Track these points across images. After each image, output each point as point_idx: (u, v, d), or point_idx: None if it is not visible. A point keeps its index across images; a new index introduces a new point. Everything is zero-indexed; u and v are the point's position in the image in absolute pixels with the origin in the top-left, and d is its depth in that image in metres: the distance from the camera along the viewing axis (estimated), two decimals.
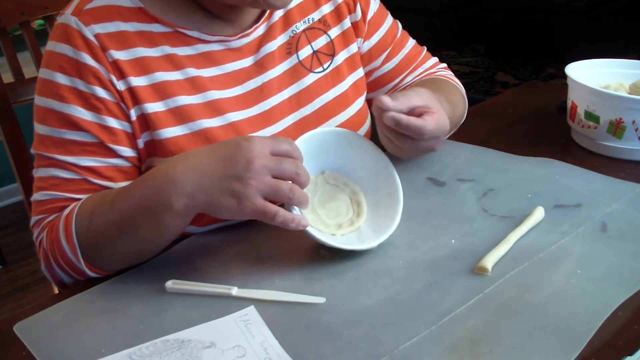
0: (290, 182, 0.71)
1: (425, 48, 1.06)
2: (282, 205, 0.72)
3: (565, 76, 1.02)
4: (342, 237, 0.77)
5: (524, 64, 3.70)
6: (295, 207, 0.72)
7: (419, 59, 1.03)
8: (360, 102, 0.97)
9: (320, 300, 0.69)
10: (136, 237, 0.74)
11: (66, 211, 0.78)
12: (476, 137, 1.05)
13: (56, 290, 0.82)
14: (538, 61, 3.67)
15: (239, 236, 0.83)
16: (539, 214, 0.80)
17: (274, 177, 0.70)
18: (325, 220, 0.78)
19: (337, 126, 0.92)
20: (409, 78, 1.02)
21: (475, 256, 0.74)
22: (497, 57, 3.83)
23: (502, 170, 0.94)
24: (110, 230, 0.75)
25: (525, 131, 1.08)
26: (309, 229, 0.72)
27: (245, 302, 0.70)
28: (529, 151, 0.99)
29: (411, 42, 1.03)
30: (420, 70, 1.03)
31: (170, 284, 0.73)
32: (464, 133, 1.04)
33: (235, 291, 0.71)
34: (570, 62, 1.04)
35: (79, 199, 0.79)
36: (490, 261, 0.72)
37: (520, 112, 1.17)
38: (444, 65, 1.07)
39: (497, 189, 0.89)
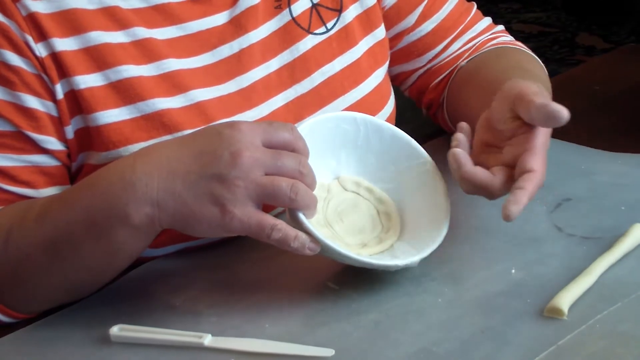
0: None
1: (475, 4, 1.07)
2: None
3: None
4: (369, 257, 0.78)
5: (617, 20, 3.70)
6: (304, 219, 0.73)
7: (468, 19, 1.04)
8: (379, 75, 0.98)
9: (328, 352, 0.70)
10: (74, 264, 0.76)
11: None
12: None
13: None
14: (639, 18, 3.67)
15: (213, 262, 0.85)
16: (636, 234, 0.81)
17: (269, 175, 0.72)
18: (343, 238, 0.79)
19: (347, 108, 0.94)
20: (455, 45, 1.03)
21: (545, 293, 0.75)
22: (579, 11, 3.84)
23: (583, 172, 0.95)
24: (36, 255, 0.76)
25: (618, 117, 1.10)
26: (323, 238, 0.73)
27: (222, 355, 0.71)
28: (622, 145, 1.00)
29: None
30: (469, 35, 1.04)
31: (116, 330, 0.74)
32: None
33: (208, 340, 0.72)
34: None
35: None
36: (566, 300, 0.73)
37: (611, 90, 1.18)
38: (501, 27, 1.08)
39: (577, 199, 0.90)
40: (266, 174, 0.71)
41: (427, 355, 0.69)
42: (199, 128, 0.82)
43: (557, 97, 1.15)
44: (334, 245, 0.74)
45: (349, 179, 0.84)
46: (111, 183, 0.74)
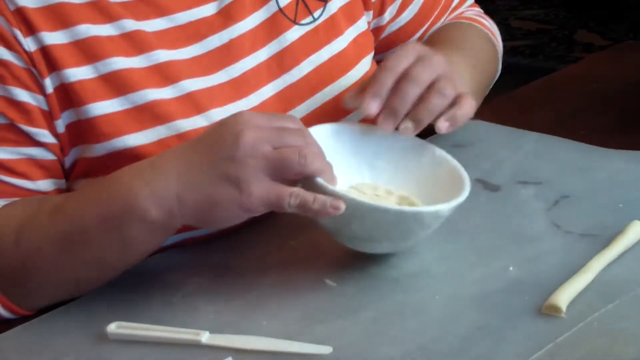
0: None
1: None
2: None
3: None
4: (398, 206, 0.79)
5: (616, 17, 3.71)
6: (321, 180, 0.74)
7: (442, 2, 1.07)
8: (366, 63, 1.00)
9: (326, 350, 0.70)
10: (85, 258, 0.77)
11: None
12: (545, 122, 1.06)
13: None
14: (638, 14, 3.67)
15: (211, 259, 0.85)
16: (634, 231, 0.82)
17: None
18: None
19: (336, 97, 0.95)
20: (433, 29, 1.07)
21: (543, 290, 0.75)
22: (578, 7, 3.84)
23: (581, 168, 0.96)
24: (48, 248, 0.77)
25: (616, 114, 1.10)
26: (345, 193, 0.74)
27: (220, 352, 0.71)
28: (620, 142, 1.00)
29: None
30: (444, 18, 1.08)
31: (113, 327, 0.74)
32: (528, 116, 1.05)
33: (205, 337, 0.73)
34: None
35: None
36: (564, 298, 0.74)
37: (610, 87, 1.18)
38: (470, 1, 1.11)
39: (575, 196, 0.91)
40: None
41: (425, 352, 0.70)
42: (191, 118, 0.85)
43: (555, 95, 1.16)
44: (359, 198, 0.74)
45: (366, 185, 0.84)
46: (129, 179, 0.75)
